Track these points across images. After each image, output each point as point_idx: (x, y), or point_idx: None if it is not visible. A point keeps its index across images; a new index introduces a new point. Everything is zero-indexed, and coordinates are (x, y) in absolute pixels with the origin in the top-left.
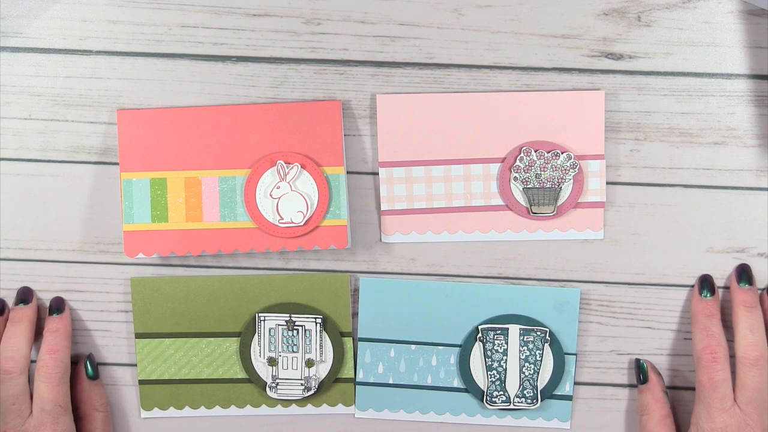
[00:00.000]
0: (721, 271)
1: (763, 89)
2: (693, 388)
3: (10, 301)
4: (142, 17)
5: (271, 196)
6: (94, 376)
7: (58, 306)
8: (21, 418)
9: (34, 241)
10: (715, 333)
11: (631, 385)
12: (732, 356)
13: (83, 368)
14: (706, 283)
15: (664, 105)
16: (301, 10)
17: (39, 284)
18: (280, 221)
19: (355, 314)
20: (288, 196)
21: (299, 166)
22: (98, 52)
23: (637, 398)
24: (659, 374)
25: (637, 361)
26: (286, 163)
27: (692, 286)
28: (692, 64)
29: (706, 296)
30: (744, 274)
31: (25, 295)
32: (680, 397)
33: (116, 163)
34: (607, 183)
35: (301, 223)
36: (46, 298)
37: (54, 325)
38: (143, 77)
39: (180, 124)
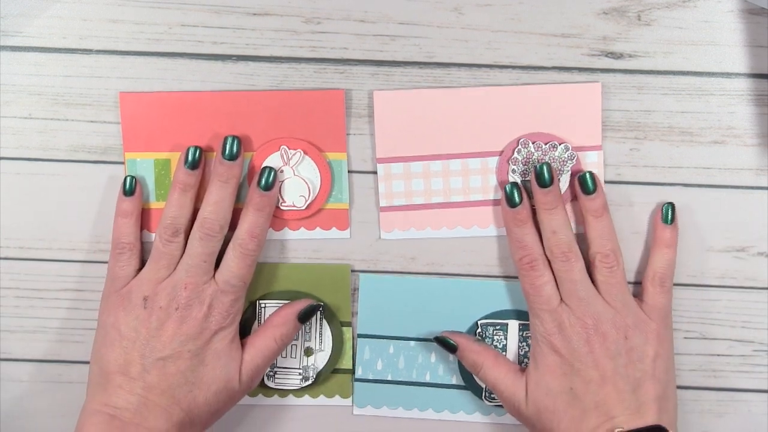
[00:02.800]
0: (722, 271)
1: (763, 88)
2: (693, 388)
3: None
4: (142, 16)
5: None
6: (303, 320)
7: (268, 178)
8: (207, 276)
9: (34, 240)
10: (528, 242)
11: None
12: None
13: (299, 306)
14: (514, 190)
15: (663, 104)
16: (301, 9)
17: (39, 284)
18: (283, 204)
19: (354, 313)
20: (290, 181)
21: (302, 152)
22: (98, 51)
23: (462, 364)
24: (462, 333)
25: (436, 338)
26: (289, 148)
27: (692, 285)
28: (692, 63)
29: (515, 206)
30: (542, 175)
31: (233, 149)
32: (681, 396)
33: (118, 163)
34: (607, 182)
35: (303, 207)
36: (47, 297)
37: (260, 201)
38: (143, 76)
39: (182, 108)
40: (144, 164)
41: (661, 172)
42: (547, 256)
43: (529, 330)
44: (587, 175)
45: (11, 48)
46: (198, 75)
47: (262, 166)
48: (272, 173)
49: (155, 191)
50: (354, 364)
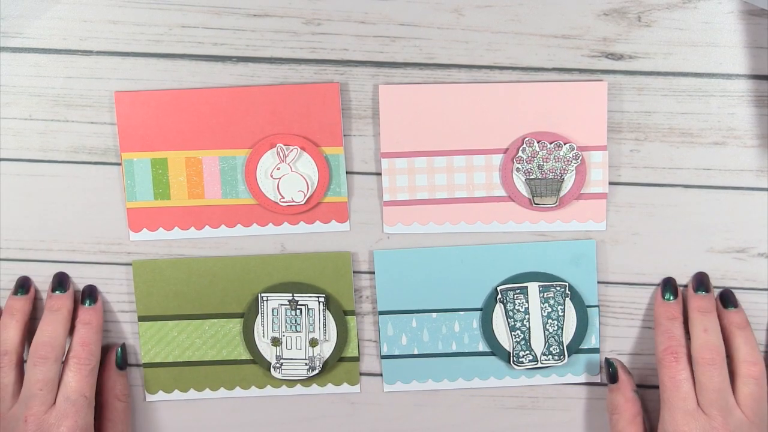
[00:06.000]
0: (722, 271)
1: (763, 89)
2: None
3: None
4: (142, 17)
5: (271, 176)
6: (123, 366)
7: (90, 295)
8: (45, 405)
9: (34, 241)
10: (676, 335)
11: None
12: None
13: (113, 356)
14: (669, 287)
15: (664, 105)
16: (302, 10)
17: (39, 284)
18: (282, 200)
19: (357, 290)
20: (288, 177)
21: (299, 149)
22: (98, 53)
23: (607, 397)
24: (629, 374)
25: (607, 360)
26: (285, 145)
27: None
28: (692, 65)
29: (669, 299)
30: (701, 283)
31: (62, 282)
32: None
33: (117, 164)
34: (608, 183)
35: (302, 202)
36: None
37: (86, 316)
38: (143, 77)
39: (178, 106)
40: (141, 164)
41: (661, 173)
42: (690, 359)
43: (549, 291)
44: (727, 293)
45: (11, 49)
46: (198, 76)
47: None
48: (94, 289)
49: (153, 190)
50: (358, 347)
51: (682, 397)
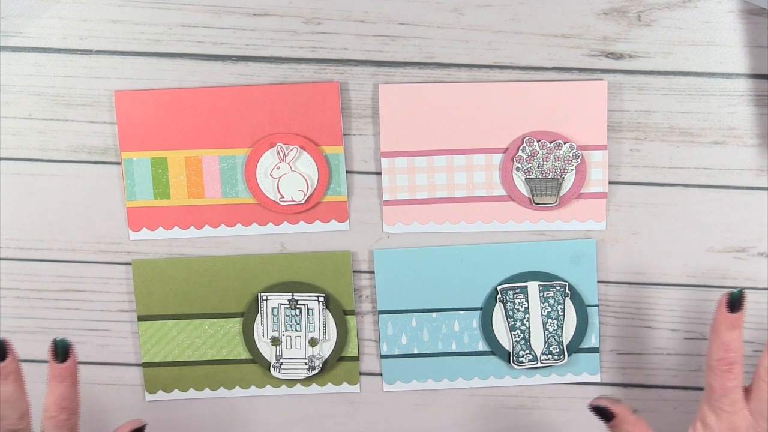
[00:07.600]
0: (722, 271)
1: (763, 89)
2: (693, 388)
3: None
4: (142, 17)
5: (271, 176)
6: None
7: (62, 350)
8: None
9: (34, 241)
10: (734, 347)
11: (631, 385)
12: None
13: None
14: (736, 299)
15: (664, 104)
16: (301, 9)
17: (39, 284)
18: (281, 200)
19: (357, 289)
20: (288, 176)
21: (298, 148)
22: (98, 52)
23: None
24: (618, 401)
25: (594, 405)
26: (285, 144)
27: (692, 285)
28: (692, 64)
29: (736, 312)
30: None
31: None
32: (678, 396)
33: (117, 163)
34: (608, 182)
35: (302, 202)
36: (47, 297)
37: (61, 372)
38: (143, 77)
39: (178, 105)
40: (141, 163)
41: (661, 173)
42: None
43: (549, 290)
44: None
45: (11, 48)
46: (198, 75)
47: (54, 338)
48: (65, 345)
49: (153, 190)
50: (357, 346)
51: (730, 402)
